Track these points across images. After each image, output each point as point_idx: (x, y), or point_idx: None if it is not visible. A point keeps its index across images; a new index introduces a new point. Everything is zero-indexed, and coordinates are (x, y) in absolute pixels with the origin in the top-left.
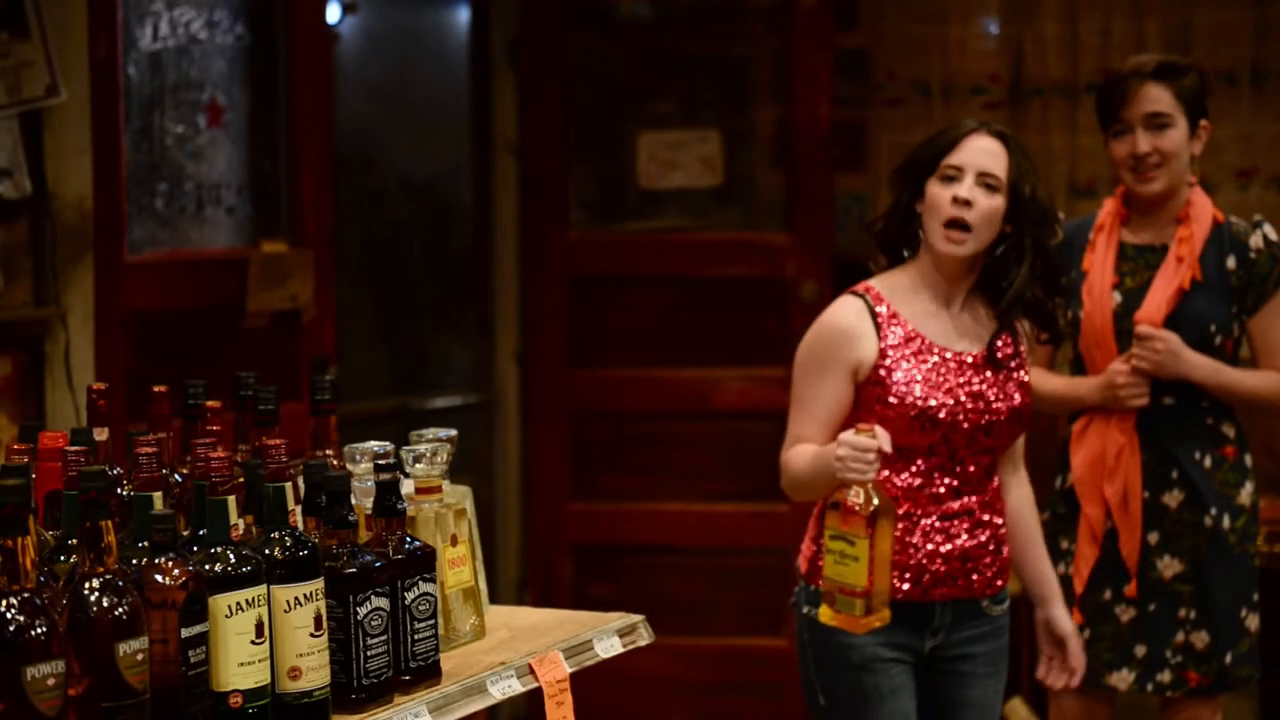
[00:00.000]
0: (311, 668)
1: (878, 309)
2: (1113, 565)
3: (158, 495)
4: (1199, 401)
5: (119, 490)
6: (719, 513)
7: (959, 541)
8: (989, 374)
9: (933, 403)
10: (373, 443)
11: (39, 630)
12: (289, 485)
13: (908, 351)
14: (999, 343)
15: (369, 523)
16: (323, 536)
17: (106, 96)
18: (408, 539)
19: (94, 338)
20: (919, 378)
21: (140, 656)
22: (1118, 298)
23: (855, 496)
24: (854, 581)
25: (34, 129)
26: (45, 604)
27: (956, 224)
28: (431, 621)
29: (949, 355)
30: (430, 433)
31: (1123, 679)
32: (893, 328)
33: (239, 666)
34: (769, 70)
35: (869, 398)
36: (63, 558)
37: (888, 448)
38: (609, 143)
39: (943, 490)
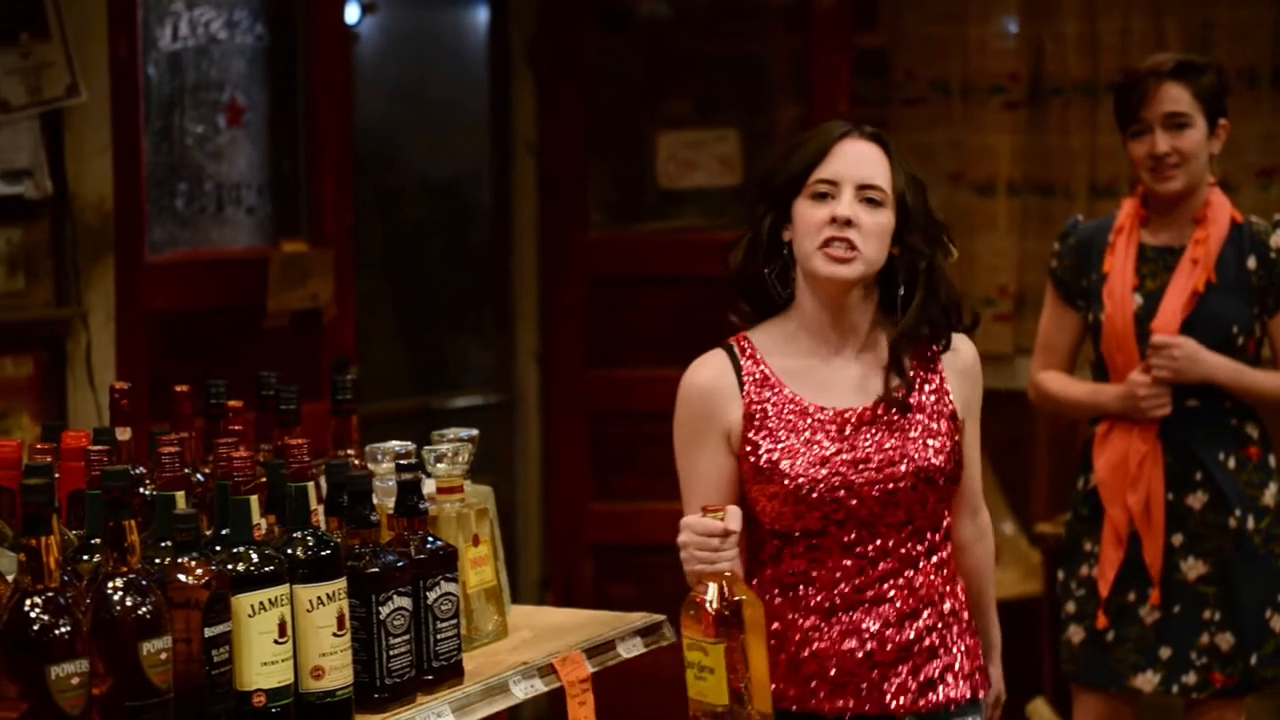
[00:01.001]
0: (334, 667)
1: (744, 363)
2: (1137, 568)
3: (180, 495)
4: (1222, 402)
5: (142, 490)
6: None
7: (873, 640)
8: (886, 430)
9: (803, 478)
10: (394, 442)
11: (63, 629)
12: (311, 485)
13: (775, 413)
14: (909, 384)
15: (391, 522)
16: (345, 536)
17: (126, 97)
18: (430, 539)
19: (115, 337)
20: (788, 446)
21: (164, 656)
22: (1139, 300)
23: (706, 593)
24: (714, 700)
25: (55, 129)
26: (69, 603)
27: (837, 242)
28: (454, 621)
29: (828, 414)
30: (452, 432)
31: (1148, 681)
32: (760, 386)
33: (262, 666)
34: (788, 70)
35: (743, 472)
36: (86, 557)
37: (736, 527)
38: (628, 143)
39: (846, 583)
